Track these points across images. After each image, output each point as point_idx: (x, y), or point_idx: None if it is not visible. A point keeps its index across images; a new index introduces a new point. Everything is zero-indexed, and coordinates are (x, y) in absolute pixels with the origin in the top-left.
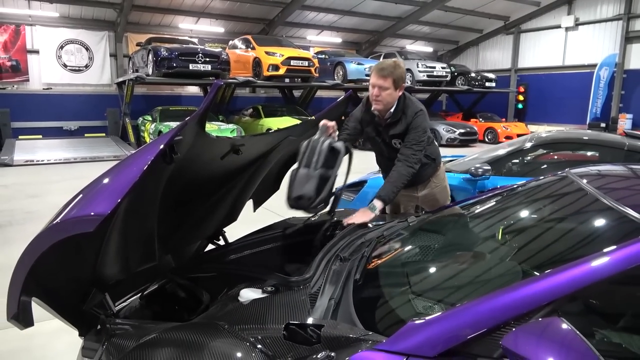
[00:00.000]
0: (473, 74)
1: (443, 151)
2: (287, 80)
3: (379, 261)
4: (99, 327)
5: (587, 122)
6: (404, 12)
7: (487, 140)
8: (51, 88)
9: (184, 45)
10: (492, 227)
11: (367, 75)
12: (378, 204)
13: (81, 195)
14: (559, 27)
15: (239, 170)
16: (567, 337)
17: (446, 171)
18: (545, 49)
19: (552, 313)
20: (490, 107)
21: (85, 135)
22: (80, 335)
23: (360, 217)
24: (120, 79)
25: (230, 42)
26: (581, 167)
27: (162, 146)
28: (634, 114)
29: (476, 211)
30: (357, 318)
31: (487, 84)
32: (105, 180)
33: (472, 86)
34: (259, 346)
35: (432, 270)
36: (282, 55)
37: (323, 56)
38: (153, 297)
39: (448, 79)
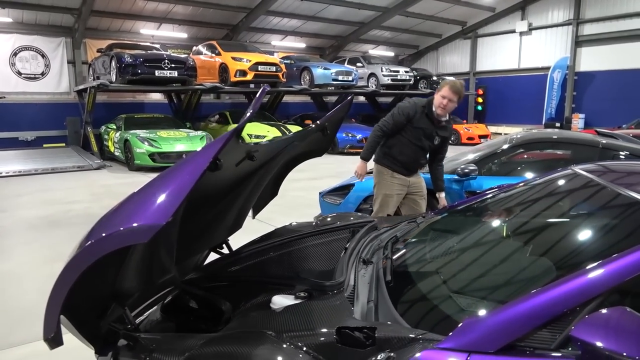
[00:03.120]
0: (435, 78)
1: None
2: (252, 85)
3: (406, 261)
4: (128, 342)
5: (543, 122)
6: (366, 18)
7: (450, 141)
8: (5, 97)
9: (149, 52)
10: (515, 224)
11: (334, 79)
12: (443, 194)
13: (132, 205)
14: (513, 31)
15: (246, 177)
16: (637, 323)
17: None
18: (502, 52)
19: (609, 302)
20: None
21: (44, 145)
22: (96, 353)
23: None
24: (81, 87)
25: (194, 48)
26: (585, 164)
27: (215, 153)
28: (585, 114)
29: (492, 208)
30: (402, 318)
31: None
32: (158, 189)
33: (434, 89)
34: (312, 352)
35: (464, 267)
36: (250, 61)
37: (289, 61)
38: (168, 309)
39: (411, 82)
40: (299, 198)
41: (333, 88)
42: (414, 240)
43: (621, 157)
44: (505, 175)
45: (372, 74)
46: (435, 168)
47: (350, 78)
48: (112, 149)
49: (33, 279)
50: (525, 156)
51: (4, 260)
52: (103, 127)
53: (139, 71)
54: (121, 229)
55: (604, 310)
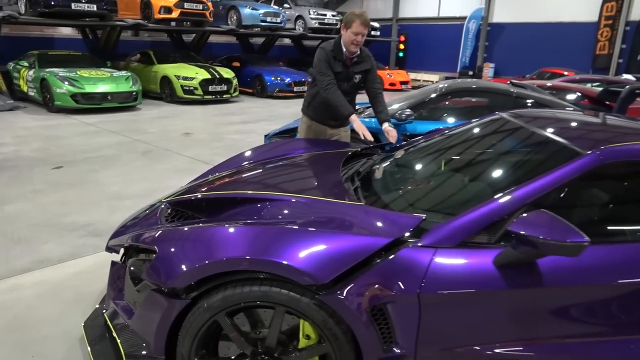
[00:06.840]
0: None
1: None
2: (172, 23)
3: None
4: None
5: (457, 70)
6: None
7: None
8: None
9: None
10: (459, 158)
11: (263, 20)
12: (386, 124)
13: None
14: None
15: None
16: (552, 219)
17: (370, 117)
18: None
19: (530, 209)
20: (374, 55)
21: None
22: None
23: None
24: None
25: None
26: (508, 111)
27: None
28: (495, 63)
29: (438, 147)
30: None
31: (372, 32)
32: (336, 234)
33: None
34: None
35: (419, 188)
36: None
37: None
38: None
39: (338, 26)
40: (237, 141)
41: (260, 30)
42: (376, 166)
43: (529, 105)
44: (435, 120)
45: (299, 17)
46: (374, 100)
47: (278, 20)
48: (25, 88)
49: None
50: (451, 103)
51: None
52: (11, 64)
53: (53, 3)
54: (280, 262)
55: (526, 213)
